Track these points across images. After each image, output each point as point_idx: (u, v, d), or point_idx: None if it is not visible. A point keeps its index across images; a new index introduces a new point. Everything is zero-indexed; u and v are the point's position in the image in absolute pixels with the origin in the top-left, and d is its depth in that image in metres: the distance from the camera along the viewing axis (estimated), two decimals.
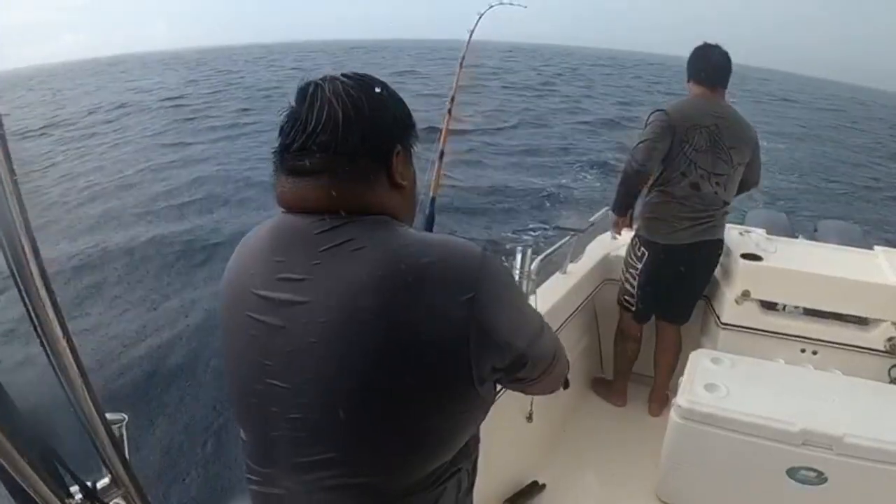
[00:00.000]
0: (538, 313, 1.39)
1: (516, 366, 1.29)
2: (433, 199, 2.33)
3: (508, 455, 3.20)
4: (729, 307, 3.87)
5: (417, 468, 1.26)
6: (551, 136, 22.70)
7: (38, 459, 0.86)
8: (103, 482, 0.98)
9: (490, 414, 1.36)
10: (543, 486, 3.41)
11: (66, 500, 0.93)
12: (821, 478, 2.86)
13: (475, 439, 1.42)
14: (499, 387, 1.36)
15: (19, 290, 0.77)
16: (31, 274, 0.76)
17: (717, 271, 4.05)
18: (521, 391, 1.52)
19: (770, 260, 3.65)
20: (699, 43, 3.64)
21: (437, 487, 1.30)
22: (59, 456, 0.92)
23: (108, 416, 0.95)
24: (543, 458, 3.61)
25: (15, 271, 0.76)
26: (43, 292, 0.78)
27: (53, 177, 17.81)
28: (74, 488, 0.95)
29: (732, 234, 3.91)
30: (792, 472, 2.90)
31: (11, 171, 0.70)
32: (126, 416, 1.34)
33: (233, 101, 33.51)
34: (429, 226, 2.16)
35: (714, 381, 3.16)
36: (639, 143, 3.56)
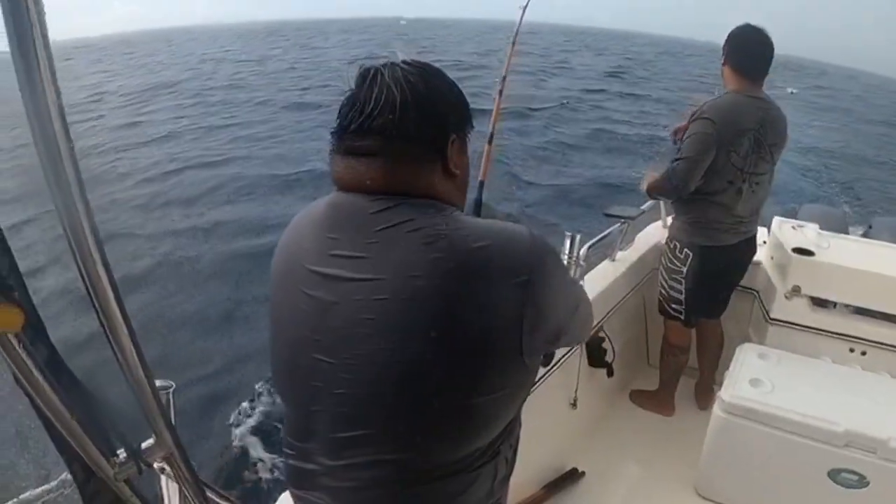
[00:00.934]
0: (578, 285, 1.47)
1: (559, 339, 1.35)
2: (482, 184, 2.30)
3: (550, 440, 3.22)
4: (779, 302, 3.82)
5: (458, 447, 1.27)
6: (603, 121, 22.40)
7: (87, 420, 0.91)
8: (148, 443, 1.02)
9: (535, 398, 1.39)
10: (583, 473, 3.41)
11: (112, 460, 0.97)
12: (863, 481, 2.83)
13: (517, 423, 1.43)
14: (543, 370, 1.38)
15: (75, 258, 0.80)
16: (87, 242, 0.80)
17: (769, 265, 4.00)
18: None
19: (822, 256, 3.58)
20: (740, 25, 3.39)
21: (473, 472, 1.31)
22: (109, 417, 0.96)
23: (157, 382, 0.99)
24: (584, 446, 3.59)
25: (72, 240, 0.79)
26: (98, 259, 0.81)
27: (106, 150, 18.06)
28: (120, 450, 1.00)
29: (785, 227, 3.85)
30: (833, 474, 2.87)
31: (68, 139, 0.73)
32: (174, 384, 1.40)
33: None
34: (477, 210, 2.16)
35: (759, 376, 3.13)
36: (679, 160, 3.35)
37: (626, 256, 3.99)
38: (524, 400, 1.39)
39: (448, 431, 1.25)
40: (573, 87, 30.66)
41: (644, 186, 3.63)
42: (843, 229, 4.27)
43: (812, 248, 3.62)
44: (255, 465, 5.52)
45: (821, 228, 4.02)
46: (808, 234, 3.71)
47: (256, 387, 6.62)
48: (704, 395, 4.05)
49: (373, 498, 1.29)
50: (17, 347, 0.79)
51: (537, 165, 15.53)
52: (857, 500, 2.86)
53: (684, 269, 3.61)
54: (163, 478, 1.29)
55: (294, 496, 1.47)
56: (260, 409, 6.31)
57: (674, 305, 3.74)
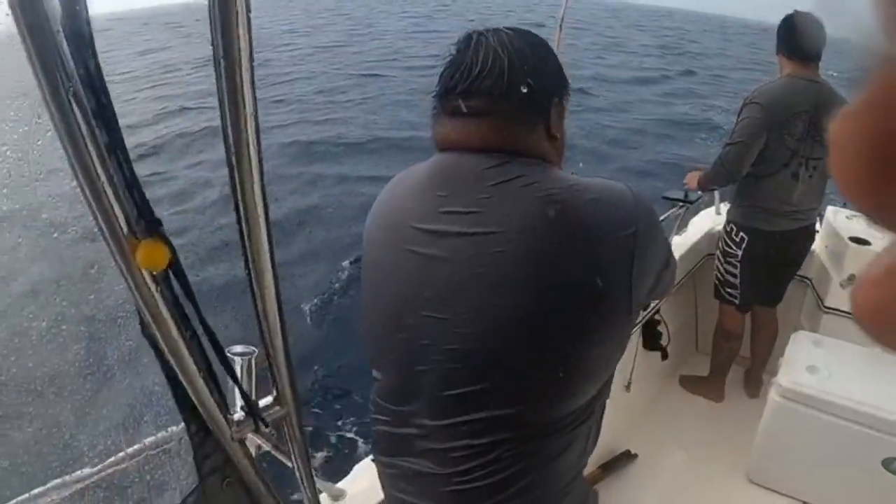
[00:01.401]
0: (668, 239, 1.52)
1: (654, 291, 1.40)
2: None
3: (605, 422, 3.23)
4: (833, 291, 3.79)
5: (565, 402, 1.29)
6: (665, 102, 21.91)
7: (208, 374, 0.93)
8: (265, 401, 1.05)
9: None
10: (636, 455, 3.44)
11: (230, 418, 1.00)
12: None
13: (609, 385, 1.46)
14: None
15: (238, 220, 0.82)
16: (252, 192, 0.80)
17: (823, 254, 3.97)
18: None
19: (879, 245, 3.54)
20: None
21: (573, 430, 1.33)
22: (233, 371, 0.99)
23: (238, 348, 1.02)
24: (638, 429, 3.61)
25: (237, 186, 0.79)
26: (262, 223, 0.83)
27: None
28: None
29: (840, 216, 3.82)
30: (888, 463, 2.86)
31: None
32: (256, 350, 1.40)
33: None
34: None
35: (815, 363, 3.12)
36: (730, 145, 3.40)
37: (681, 241, 3.97)
38: (620, 358, 1.41)
39: (559, 385, 1.27)
40: (630, 65, 30.13)
41: (694, 185, 3.68)
42: None
43: (868, 238, 3.58)
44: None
45: None
46: (864, 223, 3.65)
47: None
48: (754, 384, 4.05)
49: (482, 458, 1.29)
50: (155, 290, 0.79)
51: (598, 145, 15.32)
52: None
53: (739, 253, 3.62)
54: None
55: (384, 465, 1.48)
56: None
57: (729, 290, 3.76)
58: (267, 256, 0.85)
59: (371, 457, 1.70)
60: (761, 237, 3.56)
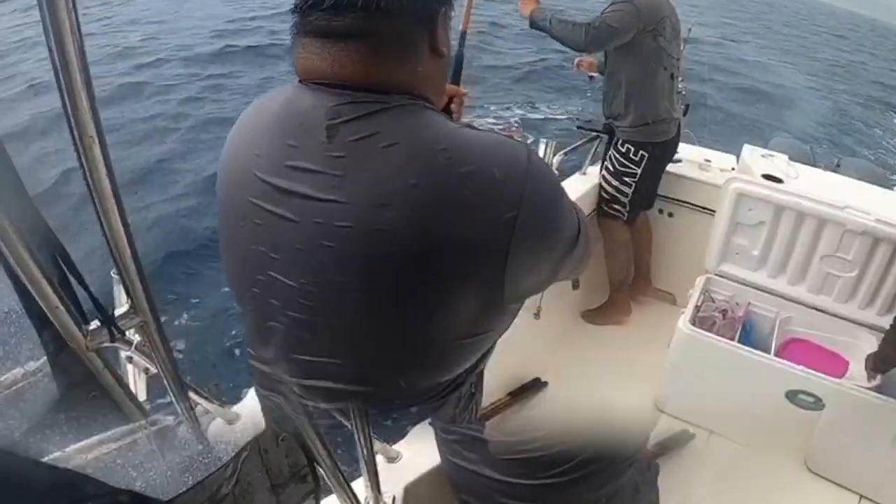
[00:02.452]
0: (576, 214, 1.23)
1: (548, 282, 1.23)
2: (464, 35, 1.94)
3: (513, 349, 3.23)
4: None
5: (421, 382, 1.23)
6: None
7: (59, 281, 0.88)
8: (121, 310, 1.00)
9: None
10: (545, 383, 3.47)
11: (84, 328, 0.95)
12: (818, 403, 2.91)
13: (486, 357, 1.37)
14: None
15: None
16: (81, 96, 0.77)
17: None
18: None
19: (791, 184, 3.59)
20: None
21: (436, 401, 1.29)
22: (82, 279, 0.93)
23: None
24: (547, 357, 3.65)
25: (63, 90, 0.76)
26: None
27: None
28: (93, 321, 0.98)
29: (755, 155, 3.84)
30: (791, 395, 2.94)
31: None
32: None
33: None
34: (457, 68, 1.81)
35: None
36: (601, 24, 3.39)
37: (595, 171, 3.97)
38: (497, 339, 1.31)
39: (411, 369, 1.19)
40: None
41: (550, 23, 3.55)
42: (811, 164, 4.26)
43: (780, 176, 3.62)
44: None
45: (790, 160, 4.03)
46: (777, 163, 3.70)
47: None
48: (644, 285, 4.26)
49: (332, 416, 1.26)
50: None
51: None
52: (812, 422, 2.94)
53: (638, 171, 3.71)
54: (129, 367, 1.26)
55: (259, 394, 1.42)
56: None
57: (616, 206, 3.84)
58: (95, 139, 0.80)
59: None
60: (658, 150, 3.71)
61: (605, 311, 4.15)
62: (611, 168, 3.78)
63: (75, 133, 0.77)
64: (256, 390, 1.43)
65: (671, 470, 3.14)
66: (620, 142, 3.71)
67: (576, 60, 4.17)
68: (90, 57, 0.75)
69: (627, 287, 4.15)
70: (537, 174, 1.07)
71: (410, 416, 1.29)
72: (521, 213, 1.02)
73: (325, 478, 1.20)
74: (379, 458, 1.65)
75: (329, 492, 1.27)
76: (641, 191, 3.78)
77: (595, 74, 4.02)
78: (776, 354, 3.05)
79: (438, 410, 1.31)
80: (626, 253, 4.03)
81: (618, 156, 3.73)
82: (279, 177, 1.07)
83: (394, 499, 1.58)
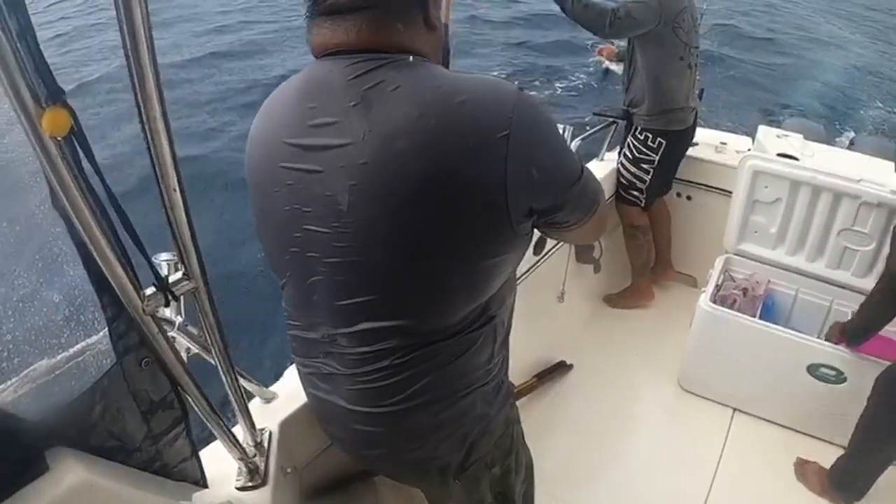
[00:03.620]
0: (579, 160, 1.34)
1: (553, 209, 1.30)
2: (446, 27, 1.94)
3: (539, 332, 3.28)
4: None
5: (450, 311, 1.29)
6: None
7: (120, 249, 0.95)
8: (175, 276, 1.07)
9: (523, 290, 1.37)
10: (571, 365, 3.53)
11: (142, 293, 1.02)
12: (839, 377, 2.94)
13: (509, 287, 1.44)
14: (533, 259, 1.37)
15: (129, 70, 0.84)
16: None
17: None
18: (558, 237, 1.55)
19: (806, 162, 3.61)
20: None
21: (472, 332, 1.34)
22: (142, 246, 1.00)
23: None
24: (572, 339, 3.70)
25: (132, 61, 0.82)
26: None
27: None
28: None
29: (770, 135, 3.85)
30: (812, 369, 2.97)
31: None
32: None
33: None
34: (445, 58, 1.86)
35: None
36: (625, 14, 3.41)
37: (613, 157, 3.98)
38: (515, 266, 1.40)
39: (438, 296, 1.27)
40: None
41: (572, 4, 3.53)
42: (824, 143, 4.27)
43: (796, 155, 3.65)
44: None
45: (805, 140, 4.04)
46: (792, 142, 3.72)
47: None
48: (665, 269, 4.27)
49: (378, 363, 1.32)
50: (60, 158, 0.82)
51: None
52: (833, 396, 2.97)
53: (656, 158, 3.73)
54: (175, 334, 1.33)
55: (300, 366, 1.52)
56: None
57: (634, 192, 3.86)
58: (158, 109, 0.87)
59: None
60: (676, 137, 3.72)
61: (627, 296, 4.18)
62: (629, 155, 3.79)
63: (139, 98, 0.85)
64: (297, 362, 1.52)
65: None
66: (639, 129, 3.72)
67: (597, 49, 4.21)
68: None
69: (649, 271, 4.17)
70: (525, 99, 1.18)
71: (435, 362, 1.34)
72: (511, 132, 1.13)
73: (193, 404, 1.25)
74: (256, 401, 1.75)
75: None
76: (659, 177, 3.80)
77: (613, 66, 4.03)
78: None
79: (471, 349, 1.37)
80: (645, 237, 4.04)
81: (636, 143, 3.75)
82: (303, 136, 1.21)
83: (270, 434, 1.64)
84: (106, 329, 1.04)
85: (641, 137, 3.74)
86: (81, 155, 0.85)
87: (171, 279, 1.06)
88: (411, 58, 1.20)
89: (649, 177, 3.79)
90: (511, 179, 1.15)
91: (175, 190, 0.96)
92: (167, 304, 1.05)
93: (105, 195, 0.90)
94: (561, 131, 2.98)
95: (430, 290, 1.26)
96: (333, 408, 1.45)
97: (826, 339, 2.99)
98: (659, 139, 3.70)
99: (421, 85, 1.16)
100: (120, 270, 0.96)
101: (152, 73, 0.84)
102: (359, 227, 1.19)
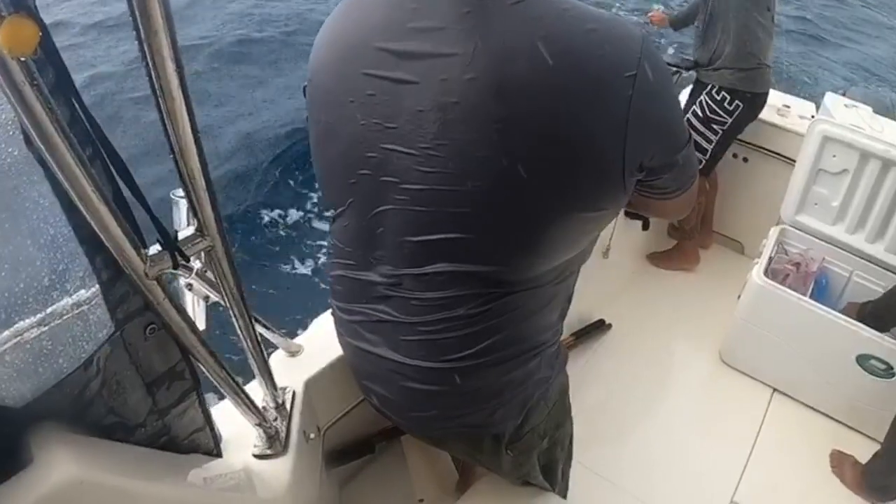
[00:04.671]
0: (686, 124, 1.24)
1: (662, 169, 1.20)
2: None
3: (581, 289, 3.15)
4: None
5: (539, 263, 1.18)
6: None
7: (114, 201, 0.78)
8: (186, 232, 0.90)
9: None
10: (610, 325, 3.42)
11: (143, 253, 0.85)
12: (889, 371, 2.78)
13: (592, 244, 1.34)
14: None
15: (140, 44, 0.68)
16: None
17: None
18: (649, 207, 1.45)
19: (870, 131, 3.40)
20: None
21: (551, 287, 1.24)
22: (143, 197, 0.82)
23: None
24: (614, 298, 3.58)
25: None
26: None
27: None
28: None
29: (838, 104, 3.66)
30: (862, 360, 2.82)
31: None
32: None
33: None
34: None
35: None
36: None
37: None
38: (606, 225, 1.28)
39: (533, 245, 1.14)
40: None
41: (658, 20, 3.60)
42: (891, 117, 4.05)
43: (865, 128, 3.43)
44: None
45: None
46: (862, 113, 3.52)
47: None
48: (707, 235, 4.09)
49: (448, 312, 1.20)
50: (27, 84, 0.65)
51: None
52: (881, 390, 2.82)
53: (729, 120, 3.51)
54: (188, 295, 1.17)
55: (342, 311, 1.39)
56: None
57: (698, 154, 3.63)
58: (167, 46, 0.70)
59: (330, 311, 1.59)
60: (755, 101, 3.51)
61: (673, 257, 4.01)
62: (699, 114, 3.56)
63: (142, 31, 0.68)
64: (339, 308, 1.40)
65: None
66: (716, 88, 3.49)
67: (648, 15, 4.05)
68: None
69: (697, 235, 4.00)
70: (650, 44, 1.08)
71: (512, 316, 1.23)
72: (639, 73, 1.03)
73: (206, 372, 1.12)
74: (280, 353, 1.64)
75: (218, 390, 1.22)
76: (723, 142, 3.59)
77: (664, 29, 3.91)
78: None
79: (549, 304, 1.28)
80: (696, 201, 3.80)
81: (711, 102, 3.52)
82: (399, 40, 1.07)
83: (293, 394, 1.52)
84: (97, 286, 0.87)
85: (718, 98, 3.50)
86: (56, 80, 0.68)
87: (181, 235, 0.89)
88: None
89: (717, 138, 3.56)
90: (632, 124, 1.05)
91: (187, 129, 0.78)
92: (176, 267, 0.88)
93: (91, 131, 0.72)
94: None
95: (525, 236, 1.13)
96: (381, 362, 1.32)
97: None
98: (737, 101, 3.46)
99: (547, 5, 1.03)
100: (114, 226, 0.78)
101: None
102: (453, 151, 1.07)
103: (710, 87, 3.51)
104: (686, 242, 3.97)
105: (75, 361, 0.89)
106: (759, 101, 3.52)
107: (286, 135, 7.21)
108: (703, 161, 3.62)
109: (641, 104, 1.04)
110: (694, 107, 3.59)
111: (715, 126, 3.53)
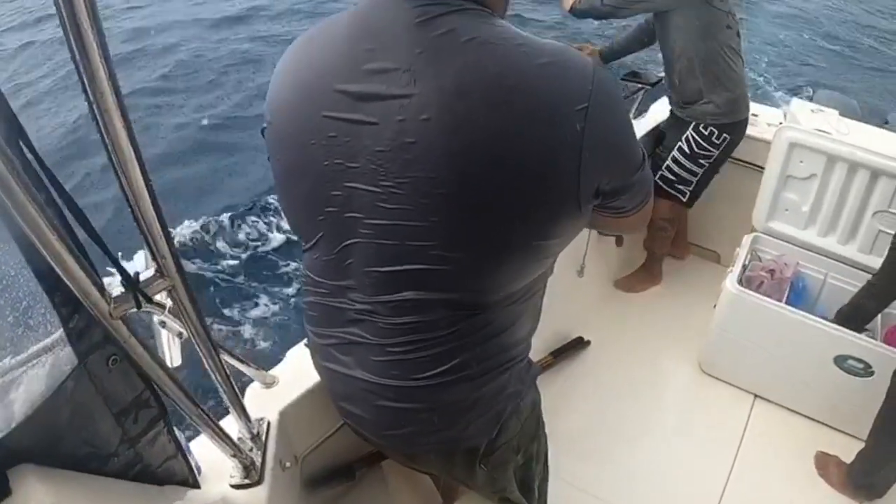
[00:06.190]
0: (640, 145, 1.29)
1: (618, 192, 1.24)
2: None
3: (557, 307, 3.18)
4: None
5: (503, 287, 1.22)
6: None
7: (76, 245, 0.81)
8: (147, 274, 0.93)
9: None
10: (588, 342, 3.43)
11: (106, 293, 0.88)
12: (867, 370, 2.82)
13: (554, 262, 1.37)
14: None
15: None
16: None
17: None
18: (607, 225, 1.47)
19: (839, 136, 3.44)
20: None
21: (516, 307, 1.28)
22: (101, 240, 0.86)
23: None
24: (590, 315, 3.60)
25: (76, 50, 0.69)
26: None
27: None
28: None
29: (804, 109, 3.70)
30: (840, 360, 2.86)
31: None
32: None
33: None
34: None
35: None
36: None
37: (638, 125, 3.76)
38: (565, 247, 1.31)
39: (493, 270, 1.18)
40: None
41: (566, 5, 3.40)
42: (858, 120, 4.09)
43: (831, 131, 3.47)
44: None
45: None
46: (827, 117, 3.56)
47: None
48: (684, 246, 4.12)
49: (418, 334, 1.24)
50: None
51: None
52: (860, 389, 2.86)
53: (716, 153, 3.44)
54: (163, 332, 1.20)
55: (317, 336, 1.42)
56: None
57: (679, 187, 3.56)
58: (112, 98, 0.72)
59: (305, 341, 1.65)
60: (738, 129, 3.42)
61: (639, 278, 3.99)
62: (686, 150, 3.47)
63: (87, 85, 0.71)
64: (314, 333, 1.43)
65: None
66: (702, 124, 3.39)
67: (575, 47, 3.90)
68: None
69: (661, 261, 3.99)
70: (603, 74, 1.12)
71: (478, 336, 1.27)
72: (590, 105, 1.07)
73: (177, 406, 1.15)
74: (255, 385, 1.67)
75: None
76: (710, 172, 3.52)
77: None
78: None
79: (516, 323, 1.31)
80: (673, 228, 3.81)
81: (698, 138, 3.42)
82: (357, 82, 1.11)
83: (268, 424, 1.56)
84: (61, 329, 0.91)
85: (706, 133, 3.41)
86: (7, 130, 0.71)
87: (143, 276, 0.92)
88: (482, 8, 1.13)
89: (702, 170, 3.49)
90: (586, 154, 1.09)
91: (138, 178, 0.81)
92: (139, 307, 0.91)
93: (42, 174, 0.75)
94: None
95: (488, 265, 1.18)
96: (355, 382, 1.36)
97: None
98: (724, 134, 3.39)
99: (500, 40, 1.08)
100: (77, 269, 0.82)
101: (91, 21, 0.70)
102: (413, 188, 1.10)
103: (694, 123, 3.43)
104: (654, 265, 3.96)
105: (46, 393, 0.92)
106: (743, 126, 3.45)
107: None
108: (688, 192, 3.56)
109: (594, 134, 1.08)
110: (680, 143, 3.48)
111: (702, 161, 3.46)
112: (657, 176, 3.52)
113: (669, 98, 3.55)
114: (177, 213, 6.51)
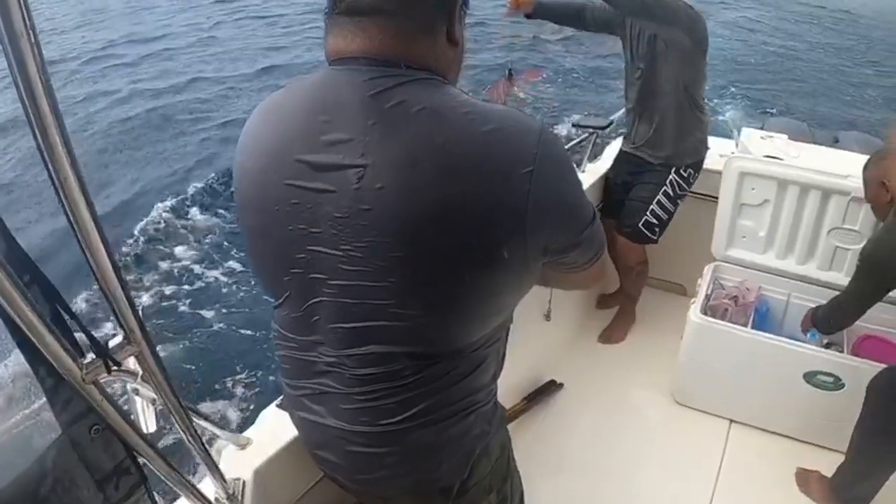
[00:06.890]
0: (590, 201, 1.32)
1: (567, 249, 1.29)
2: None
3: (527, 352, 3.22)
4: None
5: (462, 338, 1.27)
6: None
7: (51, 318, 0.86)
8: (115, 341, 0.98)
9: None
10: (561, 385, 3.46)
11: (80, 361, 0.93)
12: (838, 383, 2.88)
13: (513, 311, 1.41)
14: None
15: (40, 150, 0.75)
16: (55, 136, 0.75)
17: None
18: (560, 281, 1.55)
19: (793, 163, 3.55)
20: None
21: (481, 351, 1.33)
22: (72, 313, 0.91)
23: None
24: (561, 358, 3.64)
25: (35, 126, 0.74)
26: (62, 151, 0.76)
27: None
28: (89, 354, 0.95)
29: (754, 137, 3.79)
30: (809, 377, 2.91)
31: None
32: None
33: None
34: None
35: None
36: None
37: (595, 168, 3.88)
38: (524, 295, 1.36)
39: (450, 324, 1.23)
40: None
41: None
42: (809, 141, 4.20)
43: (782, 156, 3.58)
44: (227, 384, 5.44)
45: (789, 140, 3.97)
46: (777, 143, 3.66)
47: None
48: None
49: (382, 383, 1.28)
50: None
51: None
52: (832, 403, 2.91)
53: (688, 189, 3.56)
54: (137, 399, 1.24)
55: (290, 388, 1.46)
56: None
57: (657, 229, 3.61)
58: (73, 178, 0.77)
59: (276, 403, 1.74)
60: (701, 164, 3.56)
61: (620, 326, 3.99)
62: (671, 194, 3.53)
63: (44, 151, 0.76)
64: (288, 385, 1.47)
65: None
66: (682, 168, 3.49)
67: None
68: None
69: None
70: (549, 136, 1.17)
71: (442, 382, 1.31)
72: (535, 168, 1.12)
73: (152, 468, 1.17)
74: (230, 448, 1.70)
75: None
76: (677, 207, 3.60)
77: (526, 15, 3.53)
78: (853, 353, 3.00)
79: (479, 367, 1.35)
80: (647, 270, 3.87)
81: (681, 181, 3.51)
82: (315, 153, 1.16)
83: (244, 484, 1.59)
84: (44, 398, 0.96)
85: (685, 175, 3.52)
86: None
87: (111, 343, 0.97)
88: (433, 77, 1.19)
89: (676, 209, 3.58)
90: (531, 216, 1.14)
91: (98, 248, 0.86)
92: (109, 372, 0.95)
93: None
94: None
95: (446, 322, 1.23)
96: (328, 430, 1.39)
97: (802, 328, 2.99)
98: (694, 171, 3.54)
99: (447, 109, 1.14)
100: (52, 340, 0.86)
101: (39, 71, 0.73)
102: (371, 252, 1.15)
103: (676, 168, 3.49)
104: (633, 307, 4.00)
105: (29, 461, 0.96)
106: (703, 160, 3.57)
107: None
108: (657, 231, 3.60)
109: (539, 196, 1.13)
110: (665, 188, 3.52)
111: (679, 201, 3.56)
112: (641, 222, 3.57)
113: (634, 143, 3.60)
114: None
